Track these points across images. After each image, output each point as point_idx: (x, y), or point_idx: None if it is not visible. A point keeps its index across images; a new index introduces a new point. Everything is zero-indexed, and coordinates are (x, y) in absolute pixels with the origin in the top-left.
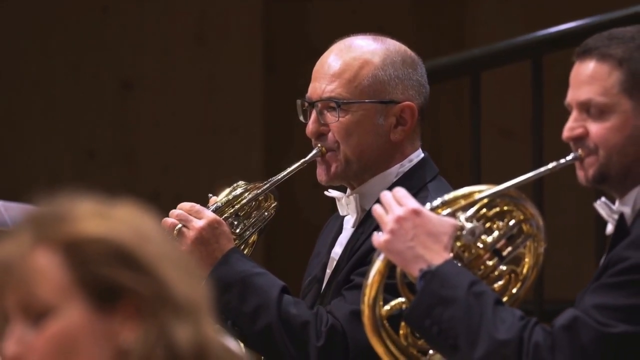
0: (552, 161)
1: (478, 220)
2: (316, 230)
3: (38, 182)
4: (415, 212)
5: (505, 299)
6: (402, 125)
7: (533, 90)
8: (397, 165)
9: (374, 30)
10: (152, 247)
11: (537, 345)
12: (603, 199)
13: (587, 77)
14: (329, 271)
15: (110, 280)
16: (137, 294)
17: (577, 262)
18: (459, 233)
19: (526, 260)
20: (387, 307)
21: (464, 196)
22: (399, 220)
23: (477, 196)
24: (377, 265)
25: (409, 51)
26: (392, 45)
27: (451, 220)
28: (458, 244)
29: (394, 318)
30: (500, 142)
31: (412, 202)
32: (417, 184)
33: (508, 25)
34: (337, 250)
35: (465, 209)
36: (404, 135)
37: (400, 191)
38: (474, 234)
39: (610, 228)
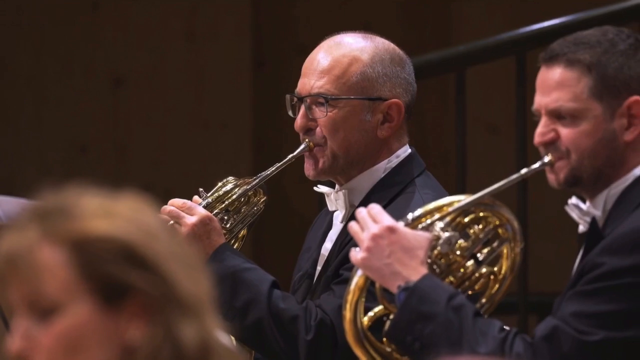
0: (535, 155)
1: (454, 229)
2: (304, 224)
3: (30, 176)
4: (391, 229)
5: (484, 300)
6: (389, 122)
7: (517, 86)
8: (385, 161)
9: (361, 26)
10: (159, 245)
11: (518, 357)
12: (574, 199)
13: (556, 83)
14: (319, 267)
15: (117, 279)
16: (144, 292)
17: (561, 254)
18: (435, 243)
19: (504, 262)
20: (370, 314)
21: (438, 209)
22: (375, 237)
23: (450, 209)
24: (356, 280)
25: (397, 49)
26: (380, 44)
27: (425, 234)
28: (435, 252)
29: (377, 324)
30: (485, 137)
31: (387, 219)
32: (404, 179)
33: (493, 22)
34: (328, 246)
35: (440, 219)
36: (391, 131)
37: (375, 208)
38: (450, 243)
39: (582, 228)
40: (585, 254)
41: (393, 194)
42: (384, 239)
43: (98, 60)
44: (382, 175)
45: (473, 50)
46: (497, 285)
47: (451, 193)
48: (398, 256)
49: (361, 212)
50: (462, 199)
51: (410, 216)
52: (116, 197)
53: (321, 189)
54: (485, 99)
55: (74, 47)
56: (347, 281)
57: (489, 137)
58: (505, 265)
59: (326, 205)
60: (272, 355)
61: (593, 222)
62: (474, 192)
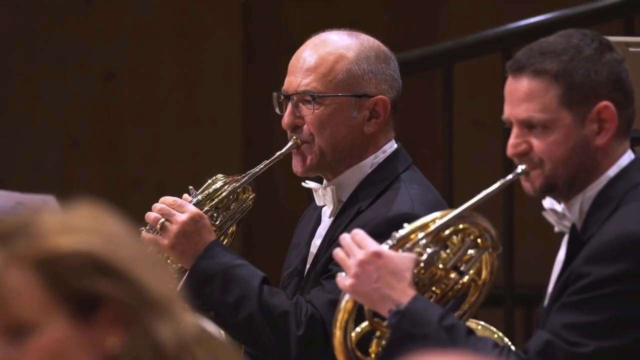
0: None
1: (436, 244)
2: (294, 220)
3: (23, 171)
4: (377, 255)
5: (466, 306)
6: (375, 118)
7: (503, 82)
8: (372, 157)
9: (349, 23)
10: (123, 251)
11: None
12: (548, 202)
13: (525, 95)
14: (308, 265)
15: (88, 291)
16: (117, 300)
17: (547, 247)
18: (419, 259)
19: (483, 269)
20: (357, 330)
21: (421, 227)
22: (362, 264)
23: (432, 227)
24: (344, 304)
25: (382, 46)
26: (366, 41)
27: (410, 255)
28: (418, 267)
29: (364, 338)
30: (472, 132)
31: (372, 244)
32: (391, 174)
33: (479, 19)
34: (317, 242)
35: (424, 237)
36: (377, 128)
37: (359, 233)
38: (432, 259)
39: (557, 229)
40: (568, 259)
41: (380, 189)
42: (371, 264)
43: (90, 56)
44: (369, 171)
45: (460, 46)
46: (478, 292)
47: (438, 187)
48: (386, 280)
49: (345, 238)
50: (445, 214)
51: (396, 236)
52: (73, 210)
53: (309, 184)
54: (472, 94)
55: (66, 42)
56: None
57: (475, 132)
58: (485, 271)
59: (315, 200)
60: (264, 350)
61: (573, 228)
62: (460, 187)
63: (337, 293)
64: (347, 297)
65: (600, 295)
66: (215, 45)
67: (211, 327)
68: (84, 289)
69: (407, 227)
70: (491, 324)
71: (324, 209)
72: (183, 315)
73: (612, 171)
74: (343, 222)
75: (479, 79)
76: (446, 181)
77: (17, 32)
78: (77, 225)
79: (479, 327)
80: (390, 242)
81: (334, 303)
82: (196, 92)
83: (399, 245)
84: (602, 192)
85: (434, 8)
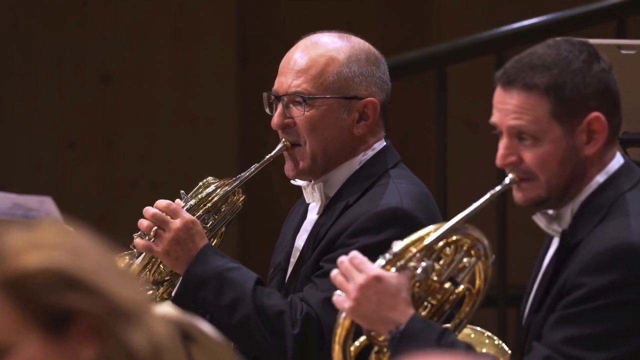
0: None
1: (429, 257)
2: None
3: (19, 171)
4: (377, 279)
5: (462, 315)
6: (365, 120)
7: (496, 85)
8: (360, 155)
9: (343, 24)
10: (89, 263)
11: None
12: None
13: (516, 107)
14: (293, 260)
15: (59, 307)
16: (88, 312)
17: (539, 248)
18: (413, 273)
19: (477, 278)
20: (356, 344)
21: (414, 243)
22: (362, 288)
23: (426, 241)
24: (342, 321)
25: (372, 49)
26: (356, 43)
27: (406, 273)
28: (413, 281)
29: (363, 352)
30: (465, 133)
31: (370, 268)
32: (378, 170)
33: (473, 21)
34: (302, 237)
35: (418, 252)
36: (367, 129)
37: (358, 257)
38: (427, 272)
39: (544, 228)
40: (558, 263)
41: (367, 185)
42: (371, 288)
43: (86, 57)
44: (358, 167)
45: (453, 48)
46: (472, 301)
47: (431, 189)
48: (386, 302)
49: (344, 262)
50: (438, 228)
51: (390, 253)
52: (37, 227)
53: (298, 182)
54: (466, 97)
55: (63, 44)
56: (328, 274)
57: (468, 134)
58: (479, 280)
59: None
60: (261, 351)
61: (563, 235)
62: (454, 189)
63: (331, 291)
64: (344, 314)
65: (596, 306)
66: (210, 45)
67: (207, 327)
68: (55, 305)
69: (402, 242)
70: (484, 325)
71: (311, 205)
72: (154, 320)
73: (601, 177)
74: (330, 218)
75: (473, 81)
76: (440, 182)
77: (14, 34)
78: (42, 242)
79: (473, 333)
80: (387, 256)
81: (329, 301)
82: (191, 93)
83: (393, 262)
84: (592, 197)
85: (428, 10)
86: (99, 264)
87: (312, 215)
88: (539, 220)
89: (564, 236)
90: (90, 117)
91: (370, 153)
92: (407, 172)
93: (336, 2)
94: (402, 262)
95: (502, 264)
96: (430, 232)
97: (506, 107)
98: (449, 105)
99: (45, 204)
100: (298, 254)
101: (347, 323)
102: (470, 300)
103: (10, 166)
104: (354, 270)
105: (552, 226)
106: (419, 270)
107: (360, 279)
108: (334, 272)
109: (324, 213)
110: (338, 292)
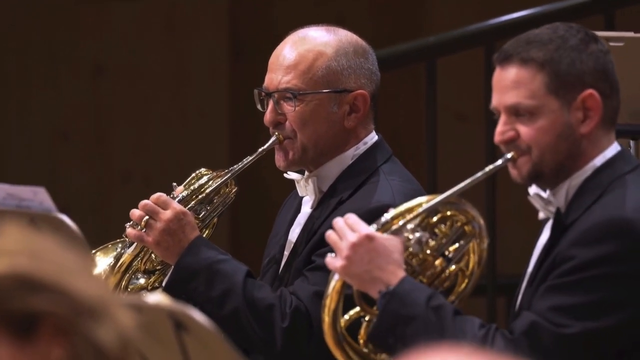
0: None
1: (424, 229)
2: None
3: (13, 163)
4: (369, 238)
5: (453, 297)
6: (356, 113)
7: (485, 76)
8: (352, 149)
9: (334, 18)
10: (49, 265)
11: (499, 353)
12: (534, 188)
13: (512, 82)
14: (286, 253)
15: (24, 311)
16: (53, 313)
17: (529, 237)
18: (407, 243)
19: (471, 258)
20: (346, 317)
21: (408, 210)
22: (354, 246)
23: (419, 210)
24: (333, 284)
25: (360, 41)
26: (344, 36)
27: (400, 237)
28: (407, 252)
29: (353, 326)
30: (455, 125)
31: (364, 228)
32: (371, 166)
33: (462, 14)
34: (296, 230)
35: (410, 221)
36: (357, 121)
37: (352, 217)
38: (420, 243)
39: (542, 215)
40: (551, 242)
41: (360, 181)
42: (363, 247)
43: (79, 50)
44: (350, 162)
45: (443, 41)
46: (465, 282)
47: (422, 180)
48: (377, 262)
49: (338, 221)
50: (431, 199)
51: (382, 219)
52: None
53: (291, 175)
54: (456, 89)
55: (57, 36)
56: (320, 268)
57: (458, 126)
58: (472, 261)
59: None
60: (250, 343)
61: (558, 212)
62: (444, 180)
63: (322, 285)
64: (336, 277)
65: (586, 277)
66: (202, 40)
67: (199, 315)
68: (19, 309)
69: (393, 211)
70: (474, 313)
71: (304, 198)
72: (119, 313)
73: (598, 160)
74: (323, 212)
75: (463, 74)
76: (430, 174)
77: (9, 28)
78: (1, 250)
79: None
80: (381, 220)
81: (319, 295)
82: (184, 87)
83: (385, 228)
84: (588, 180)
85: (418, 3)
86: (60, 265)
87: (306, 209)
88: (535, 201)
89: (558, 215)
90: (83, 111)
91: (362, 147)
92: (398, 167)
93: None
94: (394, 228)
95: (491, 253)
96: (423, 203)
97: (503, 83)
98: (438, 98)
99: (39, 195)
100: (292, 246)
101: (338, 285)
102: (463, 280)
103: (3, 158)
104: (347, 229)
105: (548, 207)
106: (412, 241)
107: (353, 237)
108: (329, 232)
109: (317, 207)
110: (331, 254)
